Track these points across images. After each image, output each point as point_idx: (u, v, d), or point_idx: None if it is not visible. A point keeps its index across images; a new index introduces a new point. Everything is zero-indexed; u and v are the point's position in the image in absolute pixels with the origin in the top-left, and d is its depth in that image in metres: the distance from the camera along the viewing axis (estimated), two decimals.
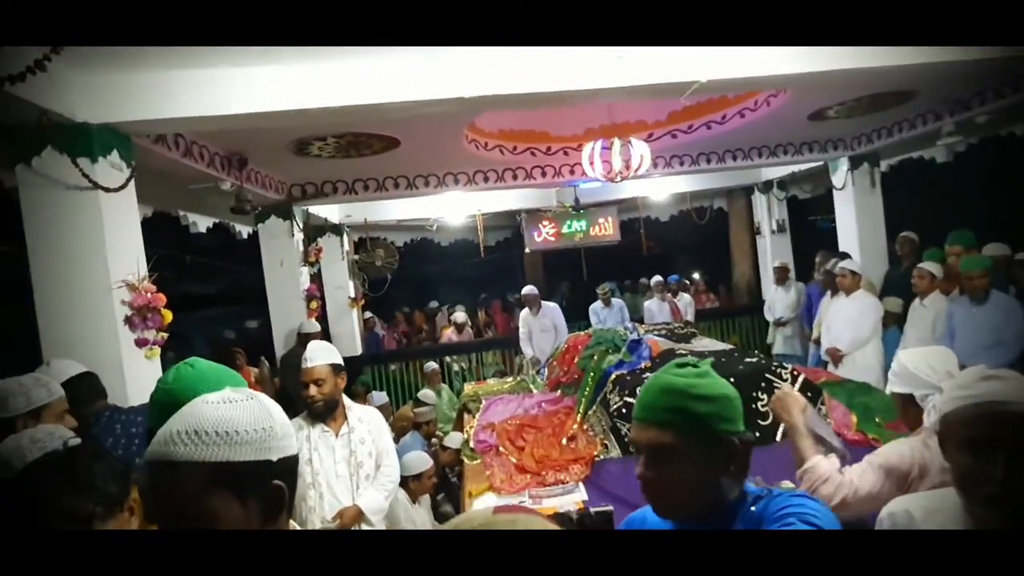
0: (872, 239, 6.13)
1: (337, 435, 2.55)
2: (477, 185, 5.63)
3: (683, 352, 4.06)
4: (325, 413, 2.51)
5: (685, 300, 7.58)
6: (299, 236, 5.72)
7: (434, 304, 9.86)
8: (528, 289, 6.87)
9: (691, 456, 1.06)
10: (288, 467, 0.93)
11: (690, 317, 7.31)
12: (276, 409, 0.95)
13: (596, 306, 7.22)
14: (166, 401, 1.28)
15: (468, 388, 5.07)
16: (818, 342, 5.40)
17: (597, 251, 8.44)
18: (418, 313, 9.58)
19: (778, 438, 3.14)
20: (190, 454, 0.86)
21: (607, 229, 7.86)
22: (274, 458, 0.91)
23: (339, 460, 2.52)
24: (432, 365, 6.92)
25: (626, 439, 3.10)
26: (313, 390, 2.48)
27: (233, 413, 0.90)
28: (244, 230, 6.35)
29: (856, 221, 6.14)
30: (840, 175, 6.21)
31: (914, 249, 5.31)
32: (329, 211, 6.64)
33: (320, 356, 2.51)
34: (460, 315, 8.65)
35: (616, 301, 7.29)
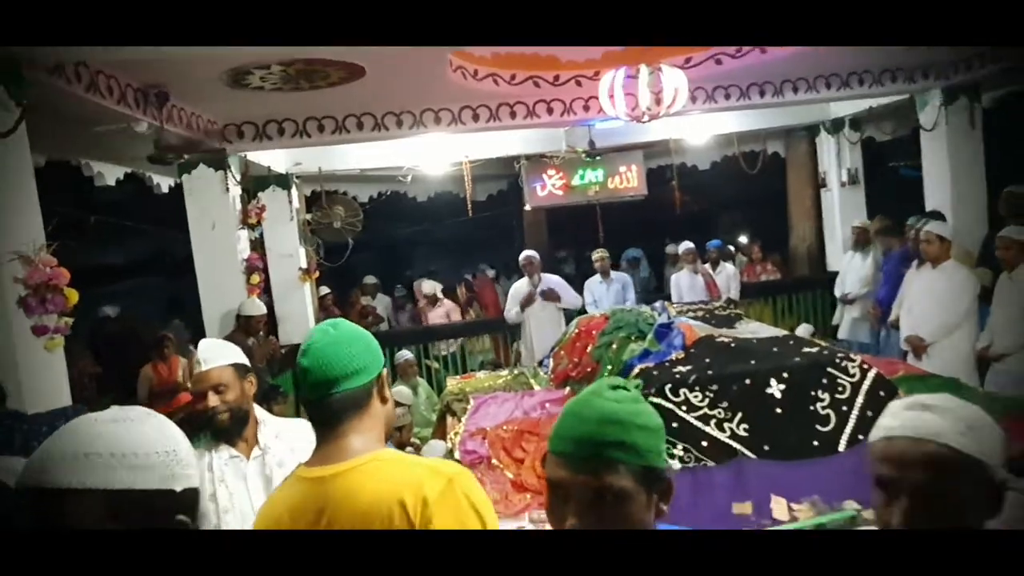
0: (969, 194, 6.19)
1: (250, 459, 2.42)
2: (464, 125, 5.64)
3: (725, 339, 4.15)
4: (233, 430, 2.39)
5: (728, 272, 7.64)
6: (235, 191, 5.74)
7: (372, 280, 9.85)
8: (528, 254, 6.92)
9: (636, 499, 1.14)
10: (191, 501, 0.99)
11: (734, 293, 7.38)
12: (178, 431, 1.01)
13: (593, 281, 7.23)
14: (300, 371, 1.50)
15: (451, 383, 5.15)
16: (898, 326, 5.49)
17: (617, 208, 8.47)
18: (357, 291, 9.26)
19: (841, 447, 3.24)
20: (77, 480, 0.88)
21: (630, 180, 7.90)
22: (178, 488, 0.96)
23: (254, 492, 2.38)
24: (405, 355, 7.01)
25: None
26: (213, 399, 2.33)
27: (128, 433, 0.93)
28: (164, 182, 6.36)
29: (949, 171, 6.18)
30: (930, 112, 6.23)
31: (1021, 208, 5.35)
32: (274, 158, 6.65)
33: (218, 355, 2.41)
34: (427, 285, 8.69)
35: (618, 275, 7.28)
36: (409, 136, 5.78)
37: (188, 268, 5.76)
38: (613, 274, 7.21)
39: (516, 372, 5.35)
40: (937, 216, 5.69)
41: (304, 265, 7.01)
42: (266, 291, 6.41)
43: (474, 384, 5.05)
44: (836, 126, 7.75)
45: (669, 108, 4.69)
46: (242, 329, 5.53)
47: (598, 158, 7.55)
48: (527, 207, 8.24)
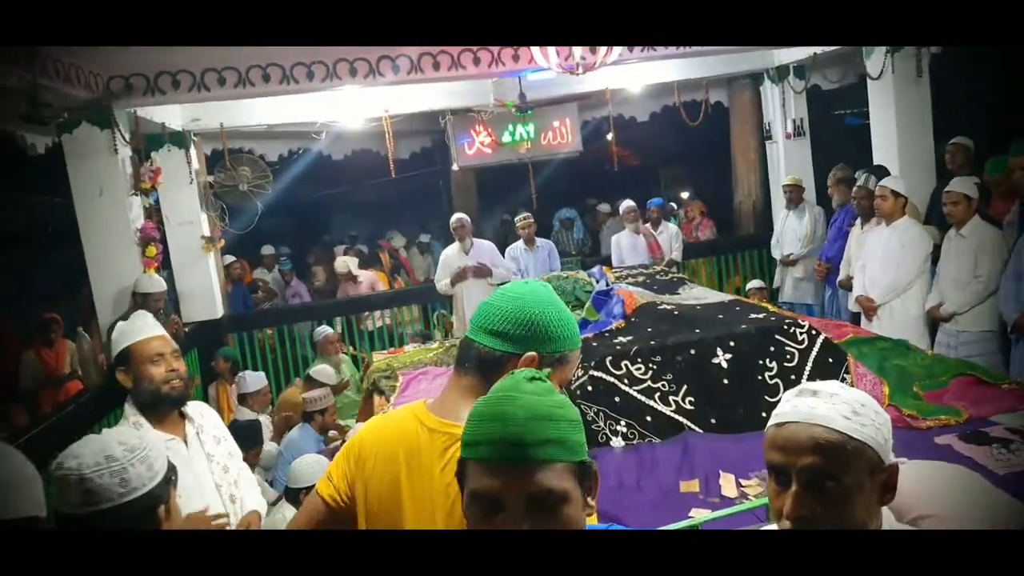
0: (916, 146, 6.43)
1: (187, 441, 2.48)
2: (383, 77, 5.55)
3: (668, 306, 4.25)
4: (176, 406, 2.50)
5: (670, 231, 7.81)
6: (125, 152, 5.53)
7: (268, 250, 9.78)
8: (459, 217, 6.92)
9: (574, 498, 1.14)
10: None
11: (676, 255, 7.55)
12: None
13: (516, 248, 7.29)
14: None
15: (378, 359, 5.14)
16: (847, 286, 5.71)
17: (551, 166, 8.51)
18: (240, 263, 8.88)
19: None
20: None
21: (564, 136, 7.93)
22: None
23: (202, 475, 2.45)
24: (325, 330, 6.94)
25: (596, 427, 3.27)
26: (164, 371, 2.44)
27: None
28: (40, 143, 6.06)
29: (896, 122, 6.41)
30: (877, 59, 6.42)
31: (969, 160, 5.61)
32: (169, 114, 6.41)
33: (154, 322, 2.56)
34: (339, 263, 8.63)
35: (543, 242, 7.38)
36: (322, 90, 5.66)
37: (72, 240, 5.54)
38: (538, 241, 7.30)
39: (448, 344, 5.36)
40: (882, 171, 5.91)
41: (207, 233, 6.83)
42: (165, 265, 6.23)
43: (402, 359, 5.05)
44: (781, 74, 7.91)
45: (605, 58, 4.71)
46: (142, 306, 5.36)
47: (529, 112, 7.54)
48: (455, 167, 8.20)
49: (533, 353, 1.54)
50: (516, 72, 6.04)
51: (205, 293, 6.84)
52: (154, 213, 6.18)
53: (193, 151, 6.77)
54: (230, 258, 8.21)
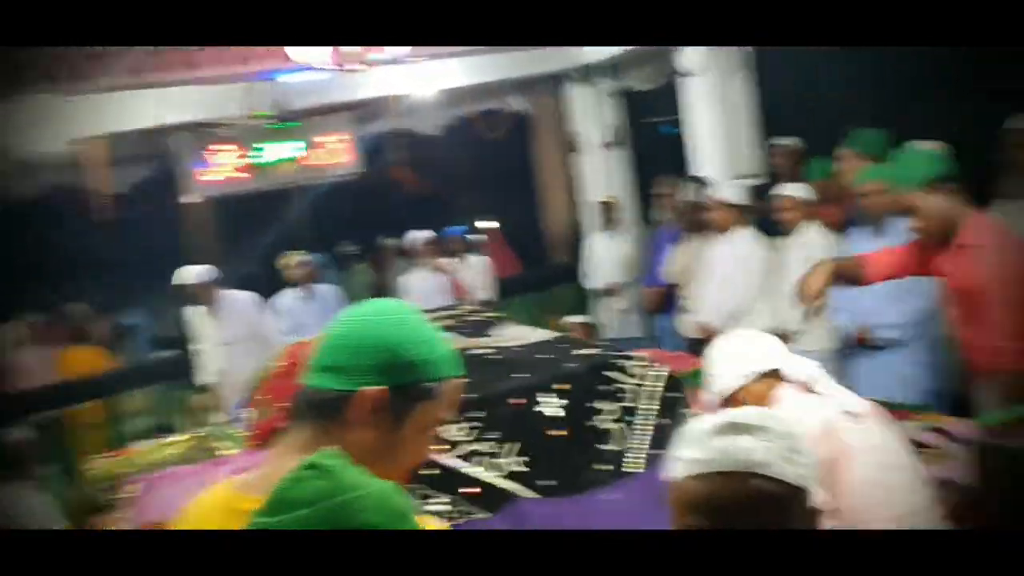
0: (741, 150, 6.90)
1: None
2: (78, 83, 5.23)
3: (482, 351, 4.22)
4: None
5: (477, 265, 7.84)
6: None
7: None
8: (197, 272, 6.60)
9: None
10: None
11: (488, 292, 7.60)
12: None
13: (285, 298, 7.05)
14: None
15: (96, 467, 4.74)
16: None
17: (323, 192, 8.35)
18: None
19: (636, 467, 3.44)
20: None
21: (337, 153, 7.85)
22: None
23: None
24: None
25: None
26: None
27: None
28: None
29: (717, 123, 6.85)
30: (693, 55, 6.83)
31: (798, 161, 6.13)
32: None
33: None
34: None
35: (322, 287, 7.22)
36: None
37: None
38: (316, 286, 7.11)
39: (197, 434, 5.07)
40: (698, 181, 6.33)
41: None
42: None
43: (132, 461, 4.70)
44: (586, 74, 8.24)
45: (377, 50, 4.69)
46: None
47: (290, 125, 7.39)
48: (186, 199, 7.86)
49: (371, 389, 1.41)
50: (268, 73, 5.91)
51: None
52: None
53: None
54: None
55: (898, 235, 4.39)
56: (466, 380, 3.86)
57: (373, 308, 1.53)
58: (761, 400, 2.59)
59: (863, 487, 2.35)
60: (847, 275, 3.69)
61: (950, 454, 2.85)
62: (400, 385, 1.43)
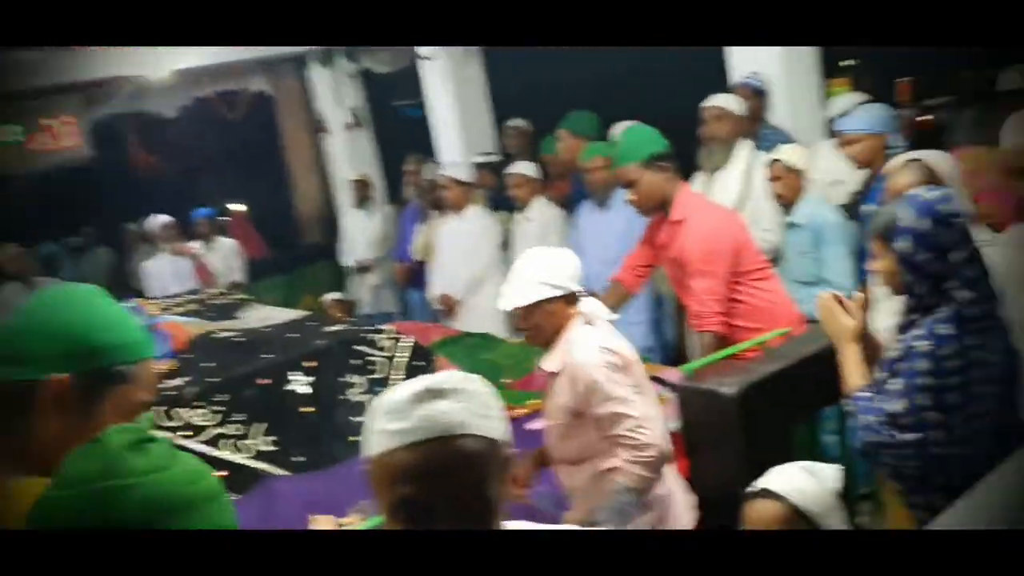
0: (479, 131, 7.17)
1: None
2: None
3: (229, 333, 4.24)
4: None
5: (225, 248, 7.64)
6: None
7: None
8: None
9: None
10: None
11: (238, 275, 7.45)
12: None
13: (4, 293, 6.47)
14: None
15: None
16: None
17: (51, 178, 7.84)
18: None
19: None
20: None
21: (62, 136, 7.39)
22: None
23: None
24: None
25: None
26: None
27: None
28: None
29: (456, 105, 7.08)
30: None
31: (529, 141, 6.46)
32: None
33: None
34: None
35: (43, 281, 6.76)
36: None
37: None
38: (39, 279, 6.63)
39: None
40: (434, 159, 6.59)
41: None
42: None
43: None
44: (326, 56, 8.23)
45: None
46: None
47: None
48: None
49: (60, 375, 1.38)
50: None
51: None
52: None
53: None
54: None
55: (620, 208, 4.80)
56: (210, 364, 3.89)
57: (56, 295, 1.48)
58: (552, 319, 2.71)
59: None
60: (616, 304, 3.85)
61: (666, 399, 3.07)
62: (89, 371, 1.41)
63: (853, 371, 2.46)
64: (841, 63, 6.08)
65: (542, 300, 2.67)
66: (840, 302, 2.54)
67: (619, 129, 4.80)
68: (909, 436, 2.26)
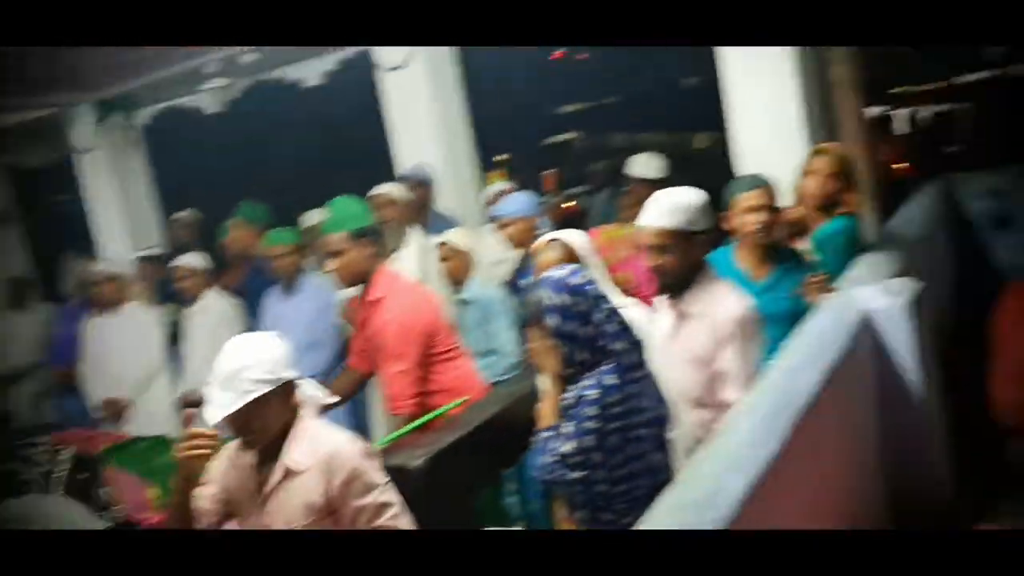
0: (144, 223, 7.02)
1: None
2: None
3: None
4: None
5: None
6: None
7: None
8: None
9: None
10: None
11: None
12: None
13: None
14: None
15: None
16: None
17: None
18: None
19: None
20: None
21: None
22: None
23: None
24: None
25: None
26: None
27: None
28: None
29: (118, 198, 6.89)
30: (83, 131, 6.75)
31: (201, 230, 6.36)
32: None
33: None
34: None
35: None
36: None
37: None
38: None
39: None
40: (91, 256, 6.39)
41: None
42: None
43: None
44: None
45: None
46: None
47: None
48: None
49: None
50: None
51: None
52: None
53: None
54: None
55: (309, 292, 4.81)
56: None
57: None
58: (277, 414, 2.47)
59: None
60: (353, 389, 3.90)
61: None
62: None
63: (548, 411, 2.63)
64: (495, 159, 6.61)
65: (260, 397, 2.37)
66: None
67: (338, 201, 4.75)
68: (577, 474, 2.47)
